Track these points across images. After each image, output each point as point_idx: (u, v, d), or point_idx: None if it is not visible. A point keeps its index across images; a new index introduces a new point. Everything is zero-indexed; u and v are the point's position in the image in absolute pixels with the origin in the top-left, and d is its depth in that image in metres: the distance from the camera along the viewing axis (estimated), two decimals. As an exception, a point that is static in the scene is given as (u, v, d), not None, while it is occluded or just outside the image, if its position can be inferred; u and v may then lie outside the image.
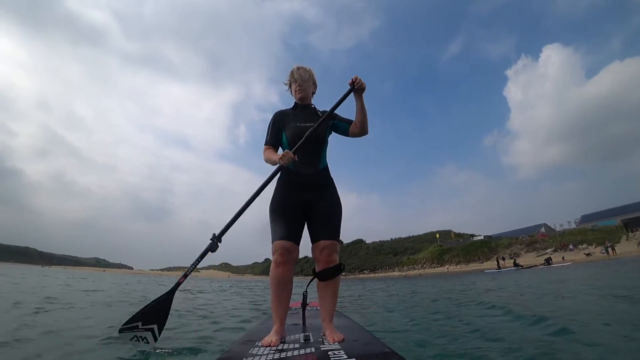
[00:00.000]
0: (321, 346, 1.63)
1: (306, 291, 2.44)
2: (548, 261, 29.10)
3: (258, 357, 1.48)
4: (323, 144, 2.19)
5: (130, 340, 2.07)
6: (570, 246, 40.13)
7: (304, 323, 2.38)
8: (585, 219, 56.25)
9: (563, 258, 32.64)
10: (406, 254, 71.48)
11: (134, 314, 2.11)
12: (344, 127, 2.23)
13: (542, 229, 55.09)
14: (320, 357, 1.44)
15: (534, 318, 3.42)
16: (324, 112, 2.26)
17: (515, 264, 31.93)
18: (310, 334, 1.92)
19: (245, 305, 6.79)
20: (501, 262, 36.59)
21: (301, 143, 2.05)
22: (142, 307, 2.12)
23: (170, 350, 2.52)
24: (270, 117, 2.30)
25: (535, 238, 49.52)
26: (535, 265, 28.87)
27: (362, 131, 2.20)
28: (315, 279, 2.04)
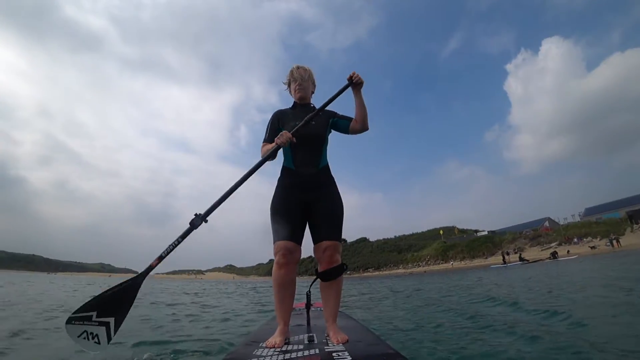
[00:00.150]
0: (325, 347, 1.62)
1: (309, 291, 2.43)
2: (554, 255, 28.99)
3: (262, 358, 1.48)
4: (323, 142, 2.17)
5: (78, 336, 1.58)
6: (575, 239, 39.98)
7: (308, 324, 2.38)
8: (589, 211, 55.99)
9: (568, 251, 32.51)
10: (410, 251, 71.33)
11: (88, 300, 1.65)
12: (344, 125, 2.22)
13: (546, 223, 54.91)
14: (325, 359, 1.43)
15: (546, 313, 3.40)
16: (324, 110, 2.25)
17: (521, 259, 31.80)
18: (315, 335, 1.91)
19: (250, 306, 6.80)
20: (506, 257, 36.47)
21: (302, 124, 2.02)
22: (100, 293, 1.68)
23: (174, 352, 2.53)
24: (270, 117, 2.29)
25: (539, 232, 49.40)
26: (541, 259, 28.76)
27: (363, 127, 2.19)
28: (319, 280, 2.03)
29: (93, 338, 1.60)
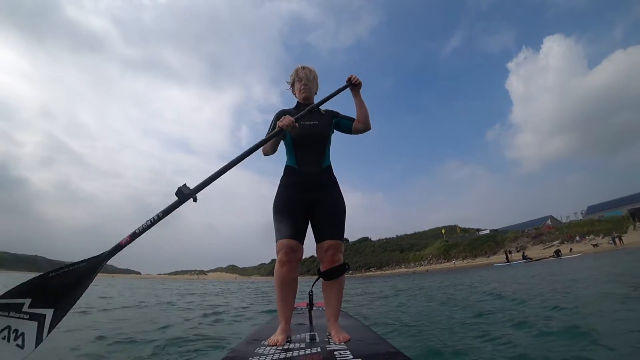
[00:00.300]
0: (327, 346, 1.62)
1: (311, 291, 2.44)
2: (557, 253, 28.89)
3: (264, 357, 1.48)
4: (327, 142, 2.17)
5: None
6: (577, 237, 39.85)
7: (310, 323, 2.38)
8: (592, 209, 55.80)
9: (570, 250, 32.39)
10: (412, 251, 71.19)
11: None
12: (346, 125, 2.22)
13: (549, 221, 54.69)
14: (326, 357, 1.43)
15: (554, 310, 3.40)
16: (326, 110, 2.26)
17: (524, 257, 31.66)
18: (316, 334, 1.92)
19: (251, 305, 6.82)
20: (509, 255, 36.35)
21: (304, 112, 2.02)
22: (42, 274, 1.30)
23: (175, 350, 2.56)
24: (271, 117, 2.27)
25: (541, 230, 49.22)
26: (545, 258, 28.67)
27: (365, 127, 2.20)
28: (321, 279, 2.04)
29: (16, 338, 1.14)
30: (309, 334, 1.96)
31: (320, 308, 3.09)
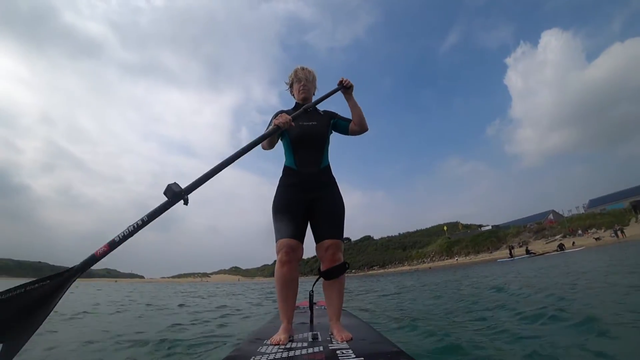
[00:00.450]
0: (329, 345, 1.63)
1: (312, 290, 2.45)
2: (561, 247, 28.86)
3: (267, 355, 1.49)
4: (325, 142, 2.18)
5: None
6: (579, 231, 39.78)
7: (311, 322, 2.40)
8: (594, 203, 55.76)
9: (573, 243, 32.31)
10: (415, 248, 71.21)
11: None
12: (343, 126, 2.23)
13: (551, 216, 54.70)
14: (329, 356, 1.44)
15: (563, 301, 3.40)
16: (325, 111, 2.27)
17: (528, 251, 31.57)
18: (318, 333, 1.93)
19: (254, 305, 6.84)
20: (512, 250, 36.23)
21: (300, 111, 2.02)
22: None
23: (180, 349, 2.59)
24: (270, 117, 2.26)
25: (543, 225, 49.16)
26: (548, 252, 28.61)
27: (362, 128, 2.21)
28: (322, 279, 2.05)
29: None
30: (311, 333, 1.97)
31: (322, 307, 3.11)
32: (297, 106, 2.29)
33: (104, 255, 1.24)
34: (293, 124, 1.91)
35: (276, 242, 1.94)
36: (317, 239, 2.02)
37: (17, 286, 1.05)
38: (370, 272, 66.67)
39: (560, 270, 8.22)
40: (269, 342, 1.74)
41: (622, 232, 31.39)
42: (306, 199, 2.03)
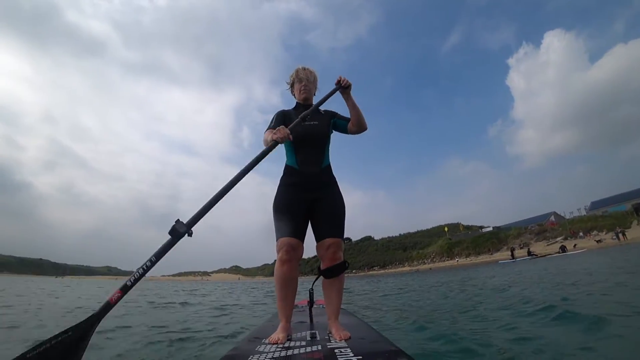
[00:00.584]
0: (328, 344, 1.63)
1: (312, 289, 2.45)
2: (563, 249, 28.80)
3: (265, 355, 1.49)
4: (326, 142, 2.19)
5: None
6: (581, 233, 39.64)
7: (310, 321, 2.40)
8: (595, 205, 55.57)
9: (575, 246, 32.22)
10: (415, 249, 71.14)
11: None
12: (343, 125, 2.24)
13: (552, 218, 54.51)
14: (327, 355, 1.44)
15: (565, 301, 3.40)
16: (325, 110, 2.27)
17: (530, 253, 31.49)
18: (317, 332, 1.93)
19: (254, 304, 6.85)
20: (513, 252, 36.12)
21: (298, 121, 1.98)
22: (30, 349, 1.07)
23: (175, 347, 2.60)
24: (271, 117, 2.25)
25: (544, 227, 48.98)
26: (550, 254, 28.54)
27: (360, 128, 2.21)
28: (321, 277, 2.06)
29: None
30: (309, 332, 1.98)
31: (321, 306, 3.11)
32: (297, 106, 2.29)
33: (119, 301, 1.30)
34: (291, 137, 1.88)
35: (277, 240, 1.95)
36: (318, 237, 2.03)
37: (43, 342, 1.10)
38: (370, 272, 66.63)
39: (563, 272, 8.21)
40: (267, 341, 1.74)
41: (624, 234, 31.28)
42: (307, 199, 2.04)
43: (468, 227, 74.30)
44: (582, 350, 2.03)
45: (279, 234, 1.95)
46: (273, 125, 2.09)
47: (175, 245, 1.45)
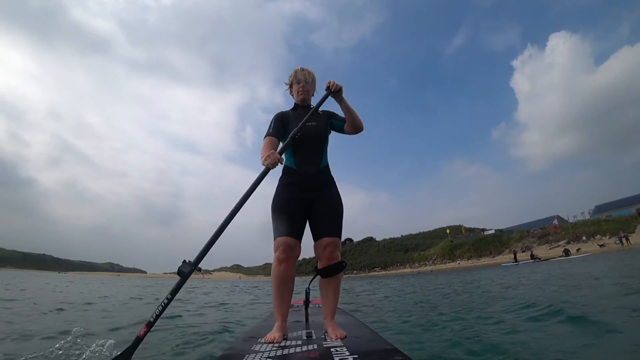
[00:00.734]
0: (323, 343, 1.64)
1: (309, 288, 2.45)
2: (567, 252, 28.62)
3: (261, 354, 1.50)
4: (325, 142, 2.20)
5: None
6: (584, 237, 39.39)
7: (306, 320, 2.40)
8: (599, 209, 55.17)
9: (578, 250, 32.02)
10: (417, 251, 70.89)
11: None
12: (339, 126, 2.25)
13: (555, 221, 54.16)
14: (323, 354, 1.44)
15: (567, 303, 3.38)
16: (324, 111, 2.28)
17: (533, 256, 31.30)
18: (313, 331, 1.94)
19: (250, 303, 6.86)
20: (516, 255, 35.95)
21: (286, 143, 2.03)
22: None
23: (172, 346, 2.60)
24: (271, 118, 2.27)
25: (547, 230, 48.70)
26: (553, 257, 28.38)
27: (355, 129, 2.21)
28: (318, 277, 2.06)
29: None
30: (305, 331, 1.98)
31: (317, 305, 3.11)
32: (295, 107, 2.31)
33: (146, 334, 1.52)
34: (282, 161, 1.91)
35: (274, 240, 1.96)
36: (316, 237, 2.04)
37: None
38: (371, 273, 66.50)
39: (567, 275, 8.15)
40: (263, 341, 1.75)
41: (627, 239, 31.04)
42: (305, 199, 2.05)
43: (470, 230, 74.02)
44: (586, 353, 2.03)
45: (277, 234, 1.96)
46: (272, 132, 2.12)
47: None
